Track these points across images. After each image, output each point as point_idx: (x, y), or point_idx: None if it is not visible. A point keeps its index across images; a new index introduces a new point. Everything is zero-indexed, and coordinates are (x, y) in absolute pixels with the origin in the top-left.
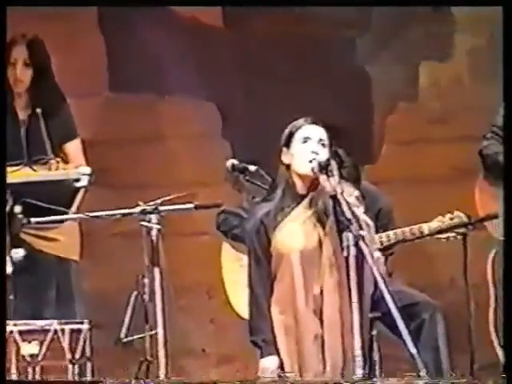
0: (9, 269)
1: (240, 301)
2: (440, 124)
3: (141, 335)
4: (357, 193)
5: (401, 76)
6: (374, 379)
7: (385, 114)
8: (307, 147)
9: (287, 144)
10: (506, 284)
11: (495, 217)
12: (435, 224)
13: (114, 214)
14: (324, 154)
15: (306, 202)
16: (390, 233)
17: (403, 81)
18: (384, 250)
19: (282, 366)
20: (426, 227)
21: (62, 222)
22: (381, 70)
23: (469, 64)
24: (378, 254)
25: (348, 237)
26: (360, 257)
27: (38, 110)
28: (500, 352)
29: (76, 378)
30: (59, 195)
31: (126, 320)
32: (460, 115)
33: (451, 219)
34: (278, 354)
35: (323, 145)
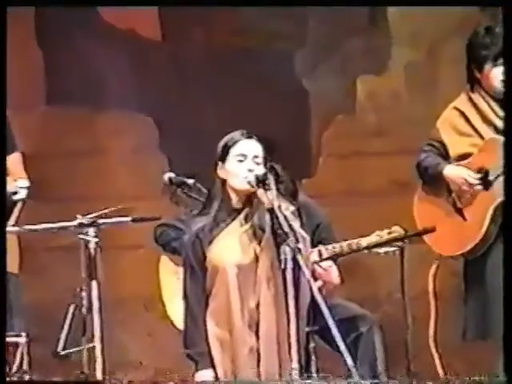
0: None
1: (177, 313)
2: (377, 137)
3: (78, 348)
4: (293, 208)
5: (338, 89)
6: None
7: (322, 128)
8: (243, 165)
9: (222, 159)
10: (506, 284)
11: (432, 230)
12: (373, 238)
13: (52, 228)
14: (260, 170)
15: (241, 216)
16: (328, 247)
17: (341, 94)
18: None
19: (217, 379)
20: (363, 241)
21: None
22: (318, 83)
23: (406, 77)
24: (329, 262)
25: (285, 250)
26: (297, 270)
27: None
28: (439, 366)
29: None
30: None
31: (64, 333)
32: (397, 128)
33: (389, 233)
34: (214, 367)
35: (258, 163)
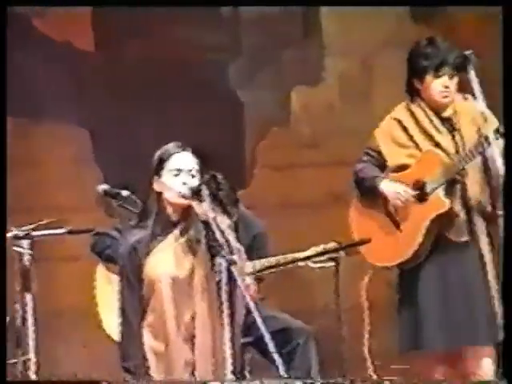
0: None
1: (113, 325)
2: (312, 149)
3: (13, 360)
4: (228, 220)
5: (273, 101)
6: None
7: (257, 139)
8: (177, 179)
9: (158, 172)
10: (506, 284)
11: (367, 241)
12: (309, 253)
13: None
14: (195, 182)
15: (177, 229)
16: (264, 260)
17: (275, 105)
18: (257, 275)
19: None
20: (299, 256)
21: None
22: (253, 94)
23: (340, 88)
24: (248, 280)
25: (220, 262)
26: (232, 282)
27: None
28: (374, 376)
29: None
30: None
31: None
32: (332, 140)
33: (325, 249)
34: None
35: (193, 175)
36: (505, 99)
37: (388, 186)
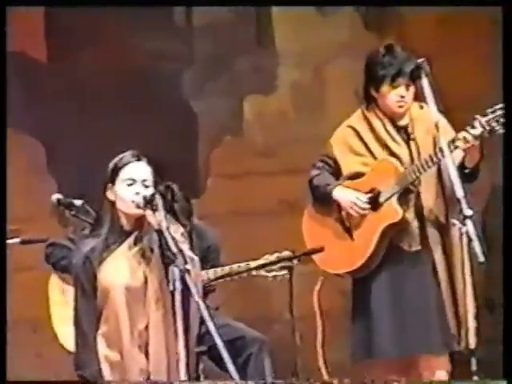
0: None
1: (67, 334)
2: (266, 157)
3: None
4: (182, 229)
5: (226, 110)
6: None
7: (210, 148)
8: (131, 189)
9: (112, 181)
10: (506, 285)
11: (321, 250)
12: (262, 262)
13: None
14: (148, 191)
15: (131, 239)
16: (218, 269)
17: (228, 114)
18: (210, 284)
19: None
20: (252, 265)
21: None
22: (206, 103)
23: (292, 97)
24: (201, 289)
25: (174, 271)
26: (186, 291)
27: None
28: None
29: None
30: None
31: None
32: (285, 148)
33: (278, 258)
34: None
35: (146, 186)
36: (505, 99)
37: (342, 194)
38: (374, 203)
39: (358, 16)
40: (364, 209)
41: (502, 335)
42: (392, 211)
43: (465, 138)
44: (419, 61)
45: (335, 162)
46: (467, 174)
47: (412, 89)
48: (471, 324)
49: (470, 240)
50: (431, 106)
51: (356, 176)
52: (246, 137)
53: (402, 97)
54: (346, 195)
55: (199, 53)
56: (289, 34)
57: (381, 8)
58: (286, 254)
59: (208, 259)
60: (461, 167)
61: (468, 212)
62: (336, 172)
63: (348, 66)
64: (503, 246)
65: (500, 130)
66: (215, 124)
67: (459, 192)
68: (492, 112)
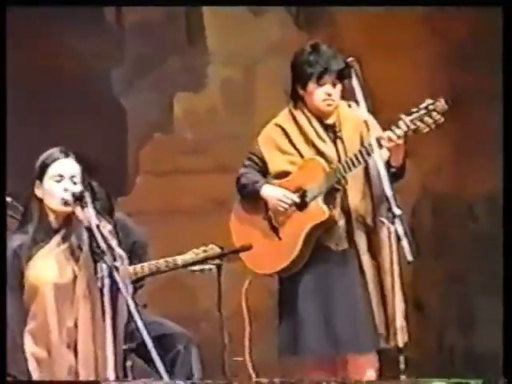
0: None
1: None
2: (195, 155)
3: None
4: (110, 226)
5: (156, 107)
6: None
7: (140, 145)
8: (59, 185)
9: (40, 178)
10: (506, 286)
11: (249, 248)
12: (188, 256)
13: None
14: (77, 188)
15: (59, 235)
16: (145, 264)
17: (158, 112)
18: (138, 281)
19: None
20: (179, 259)
21: None
22: (136, 101)
23: (223, 95)
24: (130, 286)
25: (102, 268)
26: (114, 288)
27: None
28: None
29: None
30: None
31: None
32: (215, 146)
33: (205, 251)
34: None
35: (75, 182)
36: (505, 99)
37: (269, 192)
38: (301, 202)
39: (289, 16)
40: (291, 205)
41: (502, 334)
42: (318, 210)
43: (389, 137)
44: (348, 60)
45: (263, 160)
46: (393, 173)
47: (339, 87)
48: (399, 323)
49: (398, 239)
50: (361, 105)
51: (283, 175)
52: (176, 134)
53: (329, 95)
54: (273, 193)
55: (130, 52)
56: (220, 33)
57: (312, 8)
58: (213, 246)
59: (135, 255)
60: (386, 166)
61: (397, 211)
62: (264, 170)
63: (278, 65)
64: (503, 246)
65: (425, 129)
66: (145, 121)
67: (388, 191)
68: (416, 111)
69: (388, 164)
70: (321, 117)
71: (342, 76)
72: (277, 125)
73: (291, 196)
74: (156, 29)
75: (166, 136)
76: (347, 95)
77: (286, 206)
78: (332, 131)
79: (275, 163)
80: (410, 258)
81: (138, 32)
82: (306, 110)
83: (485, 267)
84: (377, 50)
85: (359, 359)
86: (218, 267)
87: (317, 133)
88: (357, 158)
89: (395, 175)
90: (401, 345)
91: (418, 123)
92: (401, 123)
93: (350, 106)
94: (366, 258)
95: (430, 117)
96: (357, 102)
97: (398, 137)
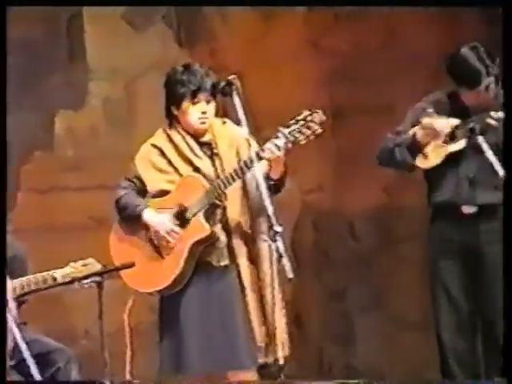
0: None
1: None
2: (76, 172)
3: None
4: None
5: (37, 124)
6: None
7: (20, 163)
8: None
9: None
10: (506, 287)
11: (131, 266)
12: (68, 270)
13: None
14: None
15: None
16: (24, 279)
17: (39, 129)
18: (18, 298)
19: None
20: (58, 273)
21: None
22: (16, 118)
23: (104, 112)
24: (12, 303)
25: None
26: None
27: None
28: None
29: None
30: None
31: None
32: (95, 163)
33: (84, 265)
34: None
35: None
36: (505, 99)
37: (152, 217)
38: (181, 220)
39: (170, 31)
40: (173, 230)
41: (502, 335)
42: (199, 227)
43: (269, 148)
44: (230, 78)
45: (140, 180)
46: (272, 186)
47: (213, 104)
48: (280, 338)
49: (280, 256)
50: (242, 121)
51: (161, 193)
52: (57, 152)
53: (204, 113)
54: (155, 218)
55: (10, 67)
56: (100, 49)
57: (192, 25)
58: (91, 261)
59: (13, 269)
60: (266, 179)
61: (278, 228)
62: (142, 190)
63: (159, 82)
64: (504, 243)
65: (304, 140)
66: (26, 139)
67: (269, 208)
68: (294, 123)
69: (267, 177)
70: (196, 135)
71: (225, 93)
72: (152, 145)
73: (172, 220)
74: (37, 45)
75: (47, 153)
76: (229, 112)
77: (169, 230)
78: (208, 148)
79: (153, 182)
80: (290, 275)
81: (19, 48)
82: (180, 129)
83: (364, 284)
84: (258, 64)
85: (239, 375)
86: (99, 284)
87: (193, 150)
88: (236, 173)
89: (275, 188)
90: (281, 359)
91: (297, 135)
92: (279, 135)
93: (224, 122)
94: (245, 273)
95: (309, 128)
96: (238, 119)
97: (278, 148)
